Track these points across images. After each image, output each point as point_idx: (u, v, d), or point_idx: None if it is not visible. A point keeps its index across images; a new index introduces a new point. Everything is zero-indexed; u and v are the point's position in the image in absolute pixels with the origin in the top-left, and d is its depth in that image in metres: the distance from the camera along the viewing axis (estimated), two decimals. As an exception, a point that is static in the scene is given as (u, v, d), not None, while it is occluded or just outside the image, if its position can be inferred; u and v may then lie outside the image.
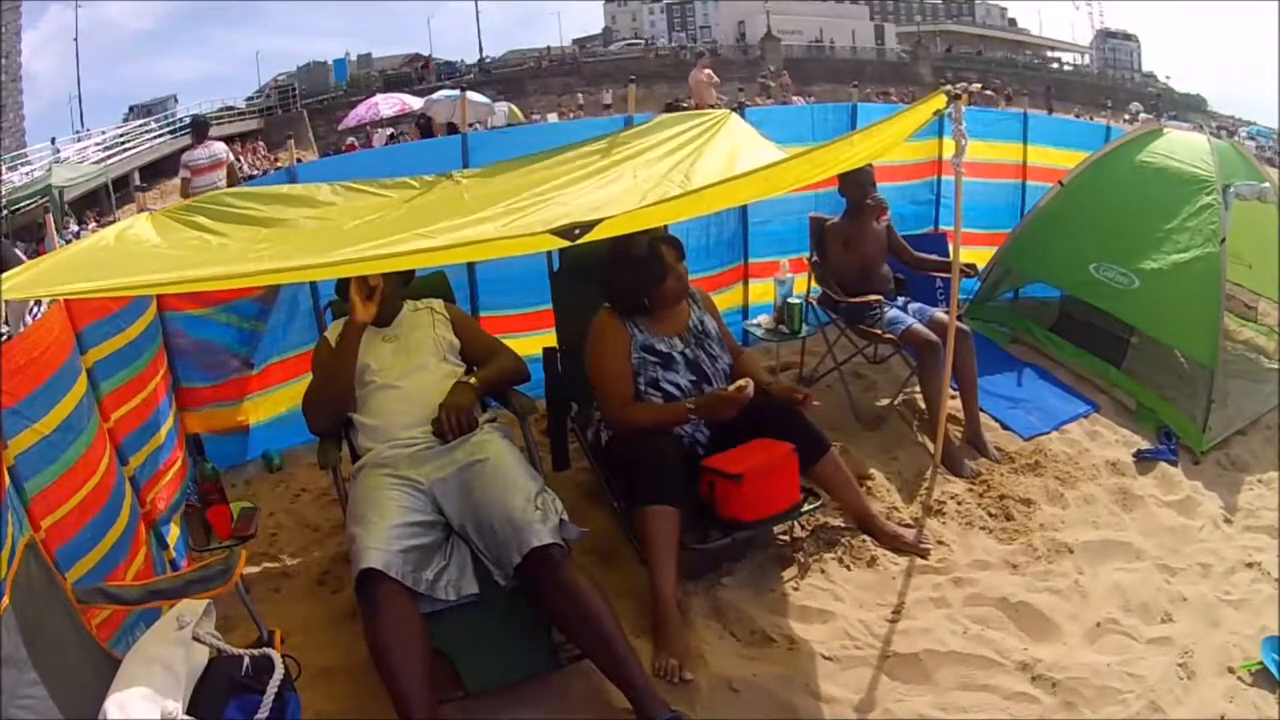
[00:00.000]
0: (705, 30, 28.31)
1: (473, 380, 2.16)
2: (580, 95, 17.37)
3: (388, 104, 13.29)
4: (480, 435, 2.09)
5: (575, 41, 28.56)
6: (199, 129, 5.83)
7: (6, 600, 1.27)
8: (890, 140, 2.32)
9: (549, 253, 2.69)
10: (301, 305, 2.99)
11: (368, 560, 1.73)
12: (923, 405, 3.06)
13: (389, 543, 1.78)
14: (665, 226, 2.69)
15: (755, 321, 3.37)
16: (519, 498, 1.89)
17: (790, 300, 3.19)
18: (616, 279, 2.32)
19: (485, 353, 2.30)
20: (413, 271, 2.32)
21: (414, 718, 1.62)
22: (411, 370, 2.15)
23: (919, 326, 2.94)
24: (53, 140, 14.50)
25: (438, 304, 2.34)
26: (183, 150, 5.87)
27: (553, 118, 13.04)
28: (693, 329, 2.38)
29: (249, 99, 21.88)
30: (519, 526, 1.83)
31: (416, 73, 24.45)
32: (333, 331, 2.24)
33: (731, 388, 2.19)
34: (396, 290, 2.23)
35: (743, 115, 3.06)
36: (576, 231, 1.61)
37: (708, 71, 8.96)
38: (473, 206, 2.20)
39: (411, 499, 1.94)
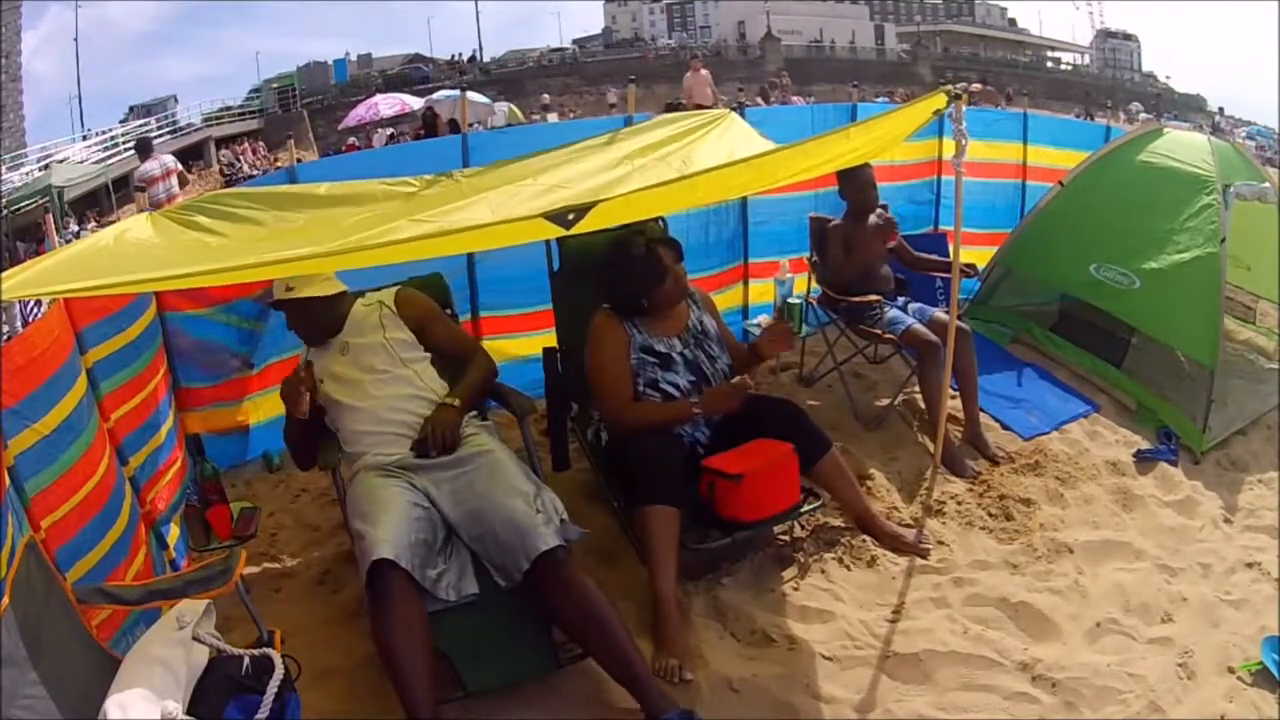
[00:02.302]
0: (705, 30, 28.29)
1: (455, 402, 2.11)
2: (547, 96, 17.31)
3: (388, 104, 13.29)
4: (472, 437, 2.08)
5: (575, 41, 28.56)
6: (143, 148, 6.66)
7: (6, 600, 1.27)
8: (888, 137, 2.31)
9: (549, 252, 2.69)
10: (301, 305, 2.98)
11: (380, 551, 1.72)
12: (923, 405, 3.06)
13: (399, 535, 1.78)
14: (664, 227, 2.69)
15: (755, 321, 3.35)
16: (519, 501, 1.89)
17: (790, 300, 3.16)
18: (615, 280, 2.32)
19: (453, 349, 2.27)
20: (344, 293, 2.21)
21: (420, 715, 1.62)
22: (371, 384, 2.10)
23: (919, 326, 2.94)
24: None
25: (388, 298, 2.23)
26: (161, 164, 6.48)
27: (553, 118, 13.02)
28: (692, 329, 2.38)
29: (247, 98, 21.80)
30: (524, 532, 1.82)
31: (457, 70, 23.52)
32: (304, 349, 2.24)
33: (735, 380, 2.20)
34: (327, 308, 2.16)
35: (743, 115, 3.06)
36: (570, 217, 1.60)
37: (705, 71, 8.97)
38: (469, 195, 2.20)
39: (414, 494, 1.94)
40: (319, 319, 2.17)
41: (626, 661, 1.75)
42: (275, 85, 22.15)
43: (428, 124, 8.84)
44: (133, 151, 14.84)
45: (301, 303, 2.11)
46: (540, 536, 1.81)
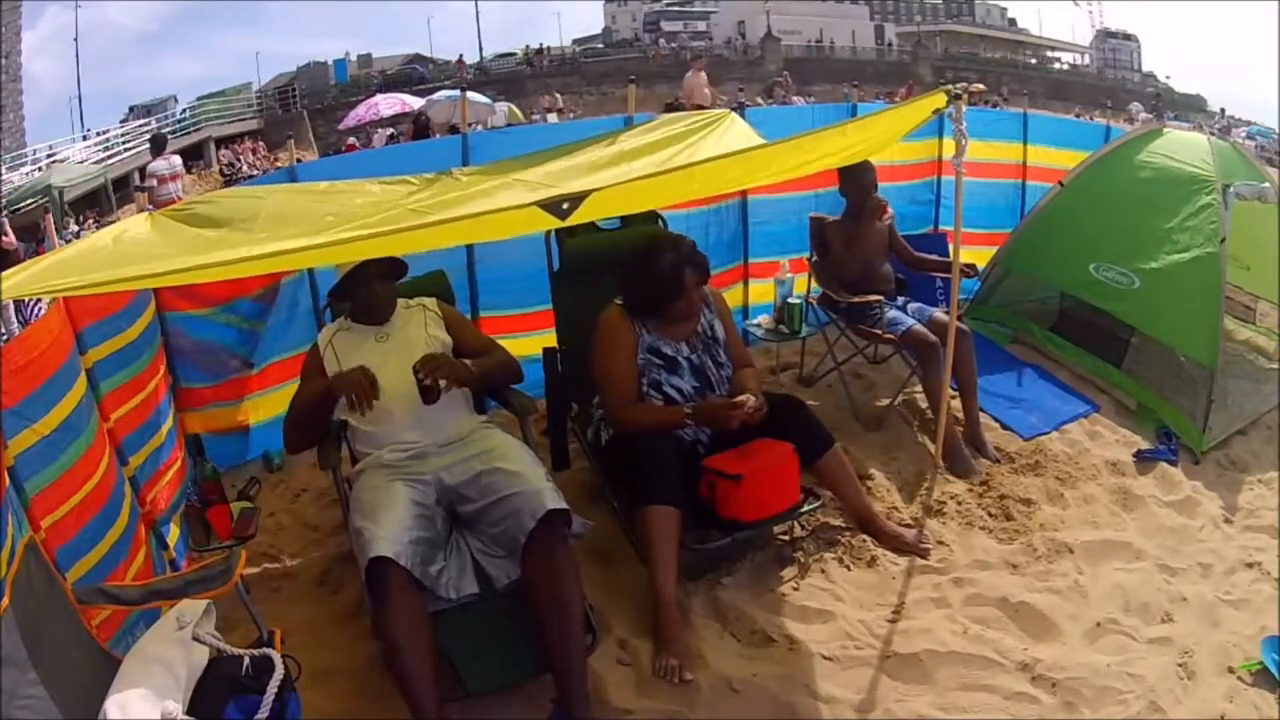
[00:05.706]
0: (703, 33, 28.25)
1: (468, 362, 2.15)
2: (546, 99, 16.98)
3: (388, 104, 13.30)
4: (481, 432, 2.10)
5: (576, 41, 28.53)
6: (158, 144, 6.80)
7: (6, 600, 1.27)
8: (885, 136, 2.31)
9: (549, 252, 2.69)
10: (301, 305, 2.99)
11: (378, 549, 1.72)
12: (923, 405, 3.06)
13: (399, 533, 1.78)
14: (664, 226, 2.69)
15: (755, 321, 3.37)
16: (530, 467, 1.94)
17: (790, 300, 3.19)
18: (634, 280, 2.29)
19: (479, 351, 2.28)
20: (404, 267, 2.28)
21: (425, 711, 1.62)
22: (406, 373, 2.12)
23: (919, 327, 2.94)
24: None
25: (430, 302, 2.32)
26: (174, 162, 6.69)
27: (552, 118, 13.03)
28: (702, 334, 2.36)
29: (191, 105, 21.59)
30: (531, 492, 1.86)
31: (543, 57, 23.08)
32: (324, 337, 2.23)
33: (736, 399, 2.19)
34: (392, 288, 2.22)
35: (743, 115, 3.06)
36: (565, 206, 1.60)
37: (703, 74, 8.97)
38: (468, 188, 2.20)
39: (417, 492, 1.95)
40: (388, 288, 2.20)
41: (567, 656, 1.75)
42: (277, 89, 22.05)
43: (420, 130, 8.87)
44: (133, 152, 14.99)
45: (389, 266, 2.15)
46: (550, 496, 1.84)
